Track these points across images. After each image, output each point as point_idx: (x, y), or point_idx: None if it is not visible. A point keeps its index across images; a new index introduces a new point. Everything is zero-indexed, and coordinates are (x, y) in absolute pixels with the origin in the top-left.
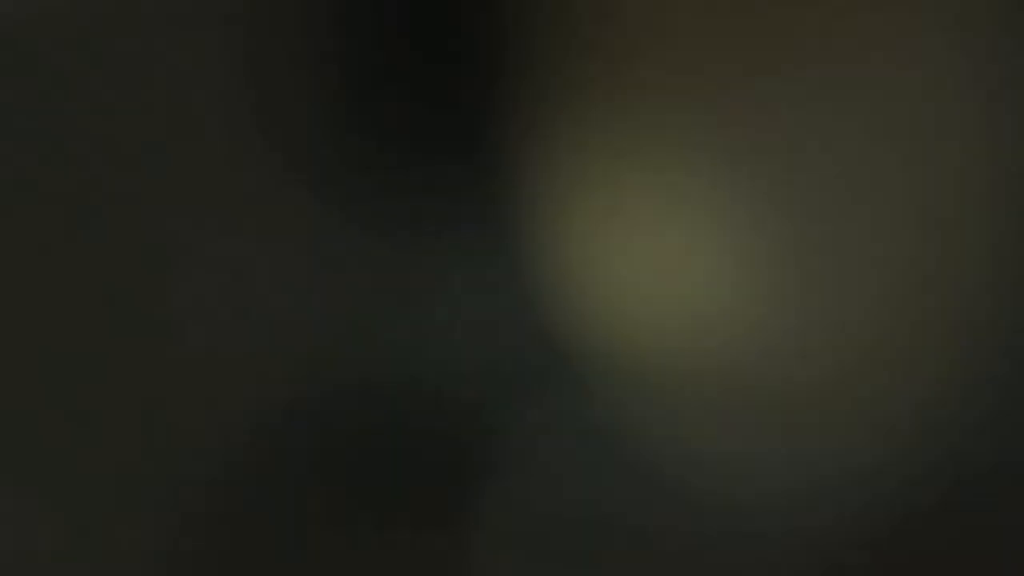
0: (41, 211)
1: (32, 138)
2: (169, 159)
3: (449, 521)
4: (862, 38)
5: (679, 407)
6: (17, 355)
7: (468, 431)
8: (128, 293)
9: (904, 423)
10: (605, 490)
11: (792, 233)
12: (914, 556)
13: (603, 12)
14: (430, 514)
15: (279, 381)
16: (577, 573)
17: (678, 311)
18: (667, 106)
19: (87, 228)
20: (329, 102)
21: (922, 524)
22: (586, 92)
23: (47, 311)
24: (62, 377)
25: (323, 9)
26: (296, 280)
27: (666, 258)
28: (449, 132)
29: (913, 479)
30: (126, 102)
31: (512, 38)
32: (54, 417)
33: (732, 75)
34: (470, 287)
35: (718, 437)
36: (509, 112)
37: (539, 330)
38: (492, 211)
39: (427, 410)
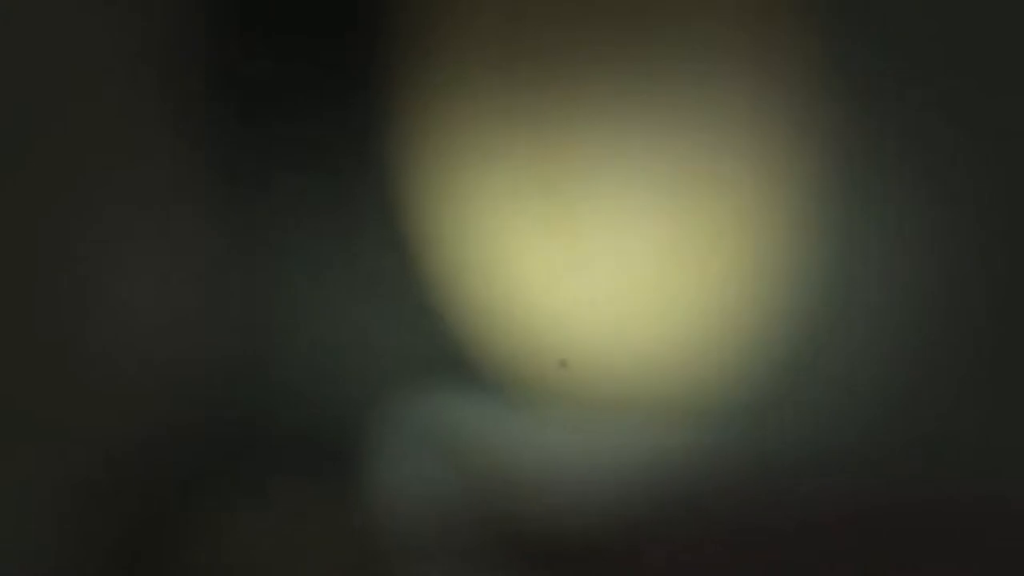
0: None
1: None
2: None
3: (331, 518)
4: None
5: (562, 404)
6: None
7: (352, 430)
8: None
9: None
10: (492, 490)
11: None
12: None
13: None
14: (308, 511)
15: (161, 378)
16: (461, 573)
17: (560, 307)
18: (561, 102)
19: None
20: (221, 104)
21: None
22: (488, 91)
23: None
24: None
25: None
26: (186, 279)
27: (550, 254)
28: (341, 135)
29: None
30: (28, 100)
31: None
32: None
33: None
34: (359, 289)
35: (600, 435)
36: (402, 113)
37: (428, 331)
38: (382, 210)
39: (312, 409)
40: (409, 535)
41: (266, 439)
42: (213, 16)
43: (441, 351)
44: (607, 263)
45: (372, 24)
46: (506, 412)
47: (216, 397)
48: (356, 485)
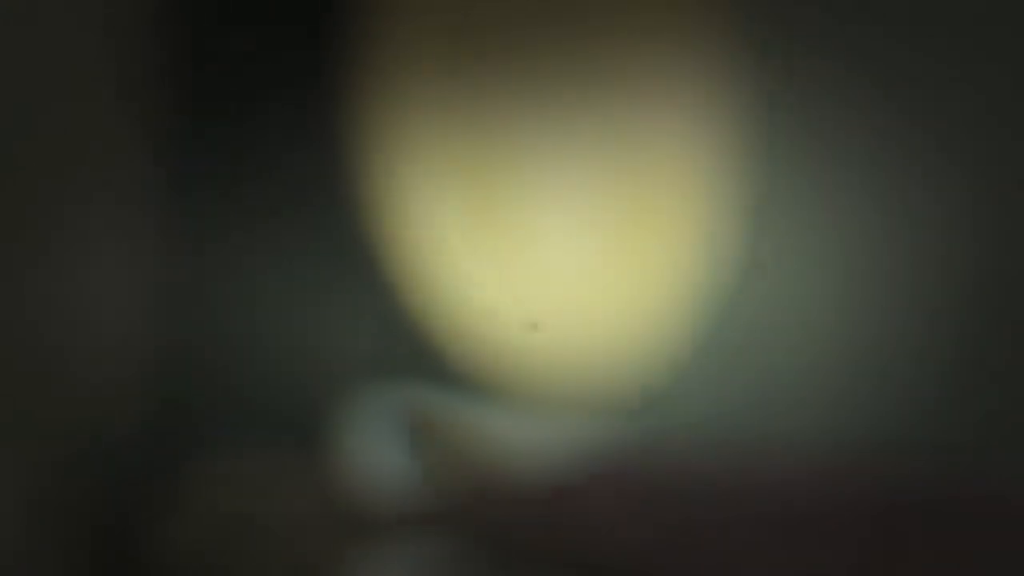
0: None
1: None
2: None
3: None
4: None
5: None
6: None
7: (322, 417)
8: None
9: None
10: (457, 473)
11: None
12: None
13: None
14: (280, 493)
15: (138, 371)
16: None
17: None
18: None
19: None
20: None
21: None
22: (444, 91)
23: None
24: None
25: None
26: (161, 276)
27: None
28: (306, 137)
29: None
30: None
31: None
32: None
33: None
34: (328, 283)
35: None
36: (361, 116)
37: (394, 322)
38: (344, 205)
39: (282, 397)
40: (377, 516)
41: (238, 427)
42: (179, 20)
43: (407, 341)
44: (556, 250)
45: (334, 30)
46: (468, 397)
47: (190, 389)
48: (325, 469)
